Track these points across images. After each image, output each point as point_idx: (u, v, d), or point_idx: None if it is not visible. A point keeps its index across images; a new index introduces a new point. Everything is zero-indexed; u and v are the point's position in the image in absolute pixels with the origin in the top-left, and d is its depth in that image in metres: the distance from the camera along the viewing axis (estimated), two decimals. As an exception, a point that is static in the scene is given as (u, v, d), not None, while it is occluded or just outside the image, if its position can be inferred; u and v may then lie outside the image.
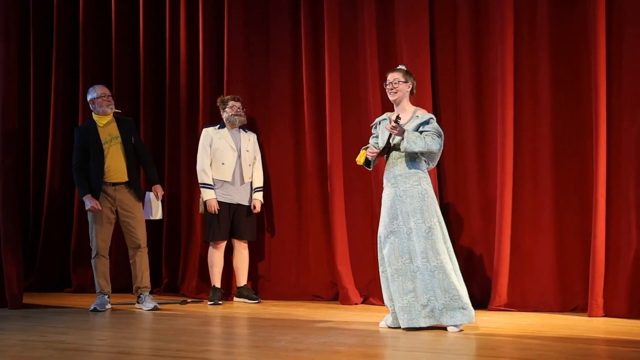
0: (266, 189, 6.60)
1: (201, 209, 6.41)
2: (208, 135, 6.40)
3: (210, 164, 6.34)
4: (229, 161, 6.34)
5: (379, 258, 4.77)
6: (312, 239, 6.53)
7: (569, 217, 5.53)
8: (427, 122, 4.65)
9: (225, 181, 6.33)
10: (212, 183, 6.31)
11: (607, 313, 5.16)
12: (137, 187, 6.04)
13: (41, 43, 7.79)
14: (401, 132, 4.54)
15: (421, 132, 4.61)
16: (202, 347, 4.15)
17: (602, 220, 5.18)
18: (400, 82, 4.74)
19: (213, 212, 6.25)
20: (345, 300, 6.11)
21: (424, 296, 4.47)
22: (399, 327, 4.59)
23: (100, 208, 5.85)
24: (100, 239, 5.90)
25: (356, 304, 6.11)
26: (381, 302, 5.93)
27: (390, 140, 4.64)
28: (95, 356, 3.90)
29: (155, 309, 5.87)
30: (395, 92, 4.73)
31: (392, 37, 6.18)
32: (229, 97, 6.46)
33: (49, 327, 4.94)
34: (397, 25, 6.12)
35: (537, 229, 5.59)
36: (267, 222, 6.67)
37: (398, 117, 4.57)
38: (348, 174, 6.28)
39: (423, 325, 4.47)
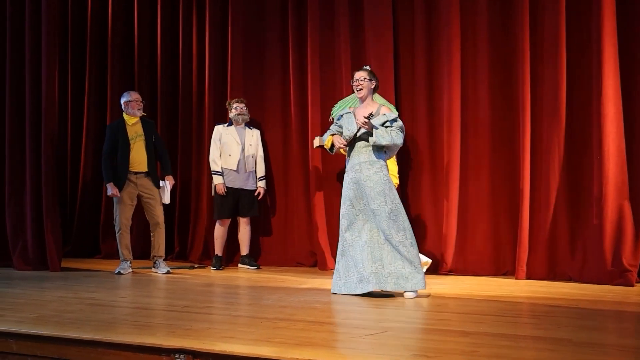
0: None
1: (212, 191, 6.35)
2: (218, 131, 6.35)
3: (220, 155, 6.30)
4: (234, 153, 6.27)
5: (342, 234, 4.42)
6: (297, 218, 6.50)
7: (502, 201, 5.53)
8: (394, 120, 4.31)
9: (231, 169, 6.27)
10: (220, 170, 6.26)
11: (530, 276, 5.17)
12: (156, 175, 5.97)
13: (77, 55, 7.68)
14: (371, 127, 4.23)
15: (386, 128, 4.30)
16: (205, 303, 4.12)
17: (527, 203, 5.18)
18: (365, 80, 4.40)
19: (221, 194, 6.22)
20: (322, 267, 6.10)
21: (389, 266, 4.15)
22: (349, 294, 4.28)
23: (118, 195, 5.78)
24: (123, 217, 5.85)
25: (331, 269, 5.97)
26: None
27: (357, 133, 4.33)
28: (119, 311, 3.88)
29: (167, 273, 5.83)
30: (361, 89, 4.41)
31: (362, 52, 6.11)
32: (234, 100, 6.38)
33: (81, 287, 4.90)
34: (366, 43, 6.07)
35: (477, 211, 5.58)
36: (264, 204, 6.57)
37: (371, 114, 4.27)
38: (326, 165, 6.22)
39: (389, 289, 4.17)
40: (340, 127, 4.50)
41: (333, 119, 5.51)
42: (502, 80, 5.54)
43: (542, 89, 5.26)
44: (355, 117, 4.40)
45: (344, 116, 4.49)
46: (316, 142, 6.03)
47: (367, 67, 4.63)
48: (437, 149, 5.79)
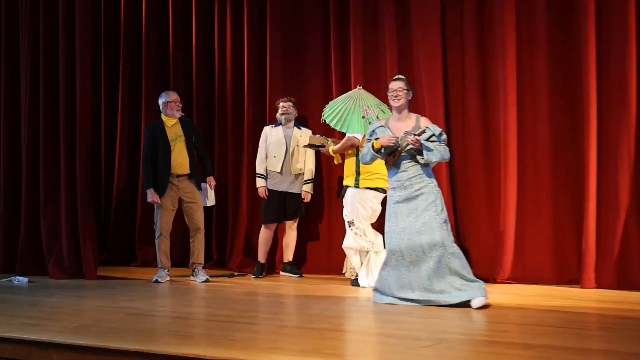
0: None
1: None
2: (265, 132, 6.35)
3: (266, 157, 6.25)
4: (279, 154, 6.22)
5: (388, 250, 4.42)
6: (341, 225, 6.36)
7: (565, 203, 5.42)
8: (440, 134, 4.37)
9: (276, 172, 6.22)
10: (263, 173, 6.24)
11: (598, 285, 5.02)
12: (197, 178, 5.99)
13: (110, 54, 7.75)
14: (420, 145, 4.29)
15: (431, 141, 4.36)
16: (248, 313, 4.14)
17: (594, 205, 5.06)
18: (404, 90, 4.47)
19: (263, 197, 6.21)
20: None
21: (439, 285, 4.16)
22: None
23: (159, 202, 5.79)
24: (164, 222, 5.86)
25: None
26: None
27: (402, 148, 4.36)
28: (158, 320, 3.92)
29: (207, 281, 5.83)
30: (399, 99, 4.46)
31: (409, 50, 6.03)
32: (281, 99, 6.33)
33: (119, 295, 4.96)
34: (413, 38, 5.98)
35: (537, 214, 5.46)
36: (309, 209, 6.47)
37: (422, 132, 4.31)
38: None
39: (443, 302, 4.14)
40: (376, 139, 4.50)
41: (325, 120, 5.46)
42: (563, 76, 5.42)
43: (608, 84, 5.13)
44: (390, 131, 4.43)
45: (378, 130, 4.52)
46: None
47: (403, 77, 4.64)
48: (493, 150, 5.69)
